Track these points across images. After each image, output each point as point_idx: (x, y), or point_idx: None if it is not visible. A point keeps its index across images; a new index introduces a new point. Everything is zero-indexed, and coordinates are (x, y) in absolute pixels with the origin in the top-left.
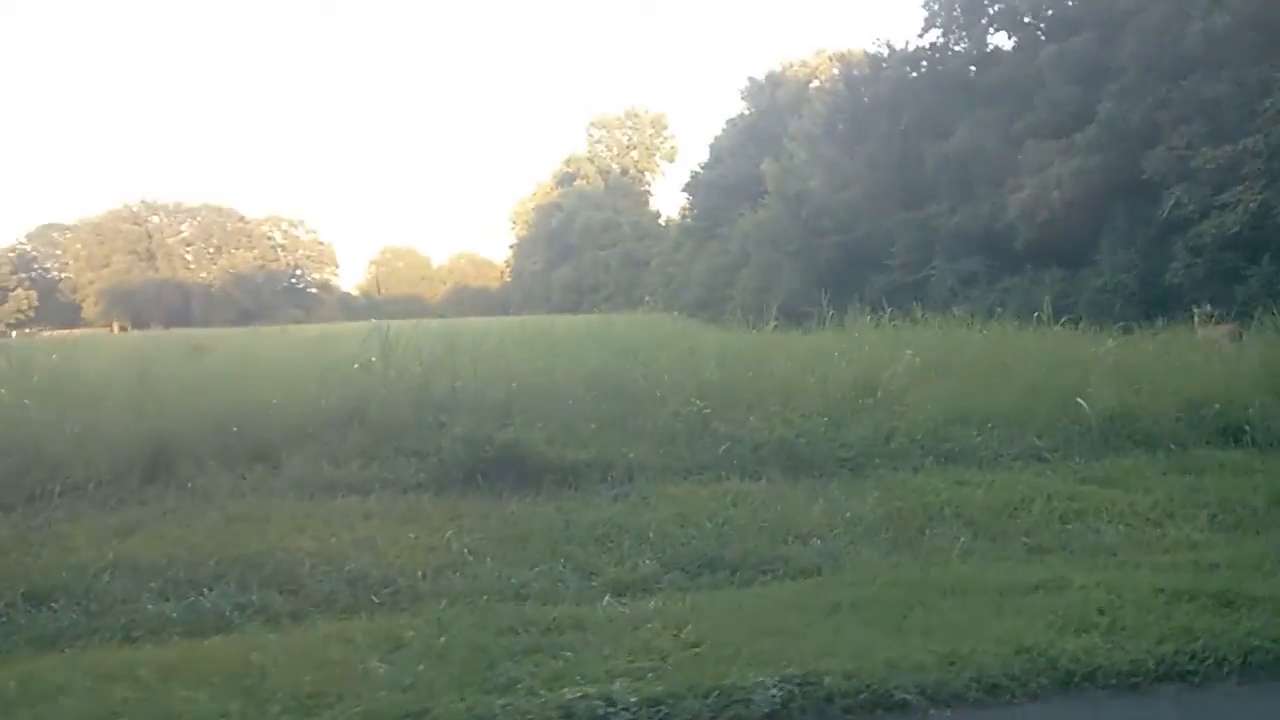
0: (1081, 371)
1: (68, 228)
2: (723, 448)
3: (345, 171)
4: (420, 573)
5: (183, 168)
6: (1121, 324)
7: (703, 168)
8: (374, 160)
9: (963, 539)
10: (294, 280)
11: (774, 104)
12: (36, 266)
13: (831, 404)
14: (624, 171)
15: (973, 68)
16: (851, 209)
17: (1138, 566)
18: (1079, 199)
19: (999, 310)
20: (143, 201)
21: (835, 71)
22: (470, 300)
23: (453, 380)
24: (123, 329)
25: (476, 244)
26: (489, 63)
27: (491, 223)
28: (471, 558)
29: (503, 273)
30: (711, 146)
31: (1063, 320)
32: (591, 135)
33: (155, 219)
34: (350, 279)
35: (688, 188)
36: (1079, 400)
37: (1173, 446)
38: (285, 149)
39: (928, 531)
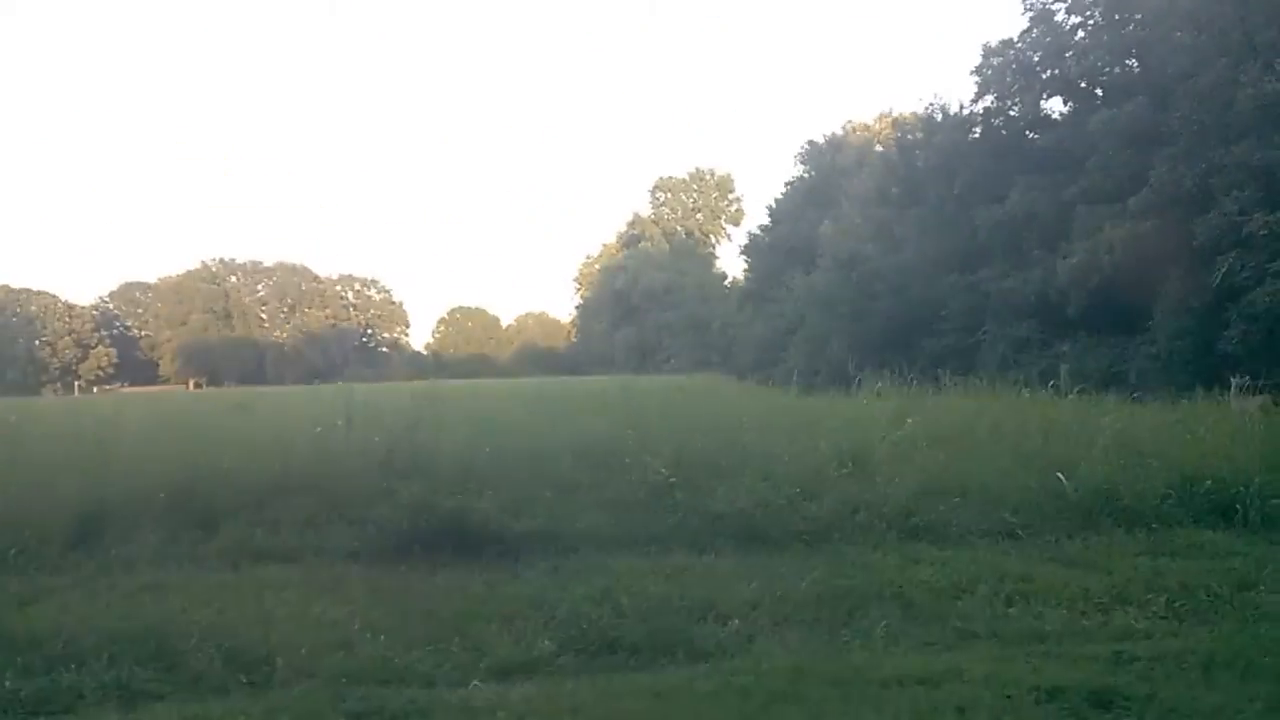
0: (1084, 443)
1: (149, 286)
2: (675, 519)
3: (418, 230)
4: (303, 650)
5: (261, 224)
6: (1142, 393)
7: (762, 230)
8: (446, 219)
9: (886, 623)
10: (365, 339)
11: (834, 167)
12: (118, 324)
13: (810, 474)
14: (688, 234)
15: (1027, 132)
16: (903, 273)
17: (1054, 657)
18: (1131, 264)
19: (1021, 378)
20: (220, 260)
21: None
22: (538, 360)
23: (415, 446)
24: (198, 385)
25: (545, 304)
26: (561, 122)
27: (560, 283)
28: (368, 635)
29: (570, 333)
30: (770, 209)
31: (1075, 388)
32: (656, 198)
33: (233, 279)
34: (420, 338)
35: (745, 250)
36: (1059, 475)
37: (1155, 525)
38: (359, 208)
39: (857, 614)
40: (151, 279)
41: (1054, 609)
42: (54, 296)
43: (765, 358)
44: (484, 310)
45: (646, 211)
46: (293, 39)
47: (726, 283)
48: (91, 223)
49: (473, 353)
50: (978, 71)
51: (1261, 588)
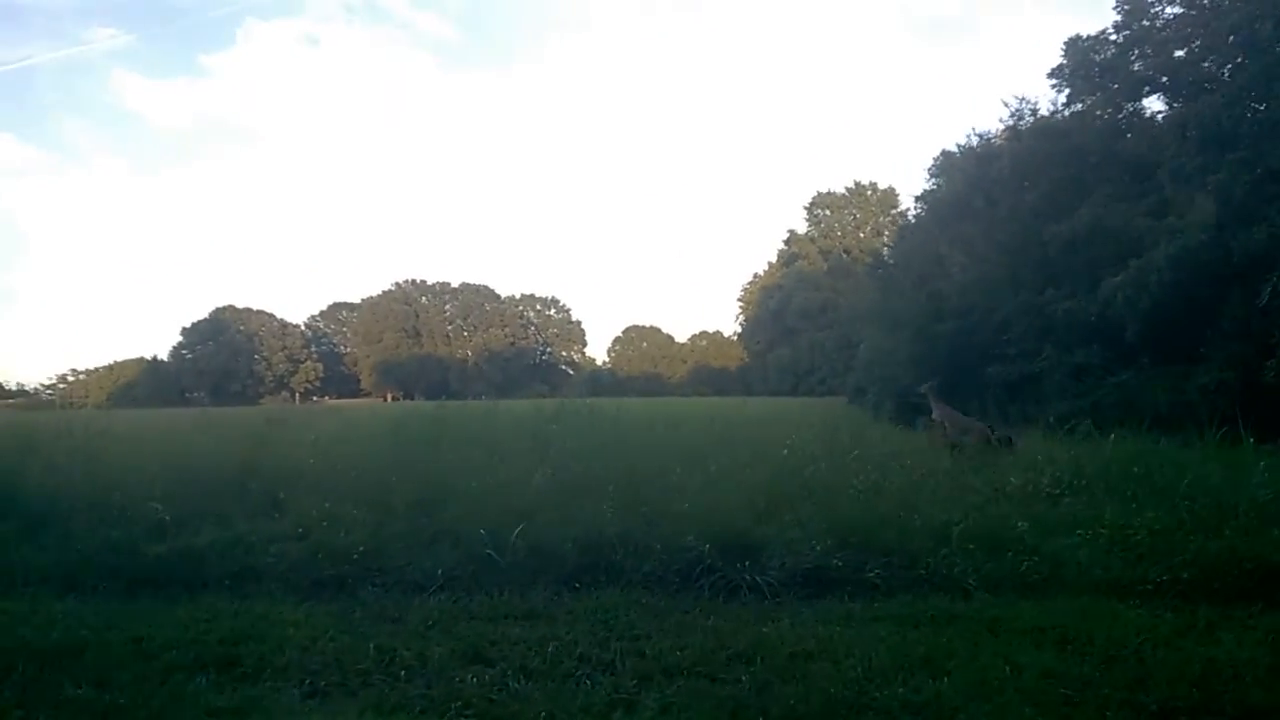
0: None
1: (353, 306)
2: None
3: (598, 248)
4: None
5: (450, 246)
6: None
7: (889, 249)
8: (625, 237)
9: None
10: (545, 357)
11: (966, 179)
12: (326, 341)
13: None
14: (846, 251)
15: (1108, 138)
16: (970, 292)
17: None
18: (1183, 284)
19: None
20: (412, 281)
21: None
22: (710, 380)
23: None
24: (395, 399)
25: (721, 324)
26: (737, 139)
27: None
28: None
29: (742, 353)
30: (901, 226)
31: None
32: (814, 214)
33: (423, 299)
34: (597, 356)
35: (870, 270)
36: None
37: (521, 585)
38: (540, 227)
39: None
40: (356, 299)
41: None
42: (270, 315)
43: (865, 380)
44: (658, 329)
45: (802, 230)
46: (478, 80)
47: None
48: (309, 245)
49: (646, 371)
50: (1056, 74)
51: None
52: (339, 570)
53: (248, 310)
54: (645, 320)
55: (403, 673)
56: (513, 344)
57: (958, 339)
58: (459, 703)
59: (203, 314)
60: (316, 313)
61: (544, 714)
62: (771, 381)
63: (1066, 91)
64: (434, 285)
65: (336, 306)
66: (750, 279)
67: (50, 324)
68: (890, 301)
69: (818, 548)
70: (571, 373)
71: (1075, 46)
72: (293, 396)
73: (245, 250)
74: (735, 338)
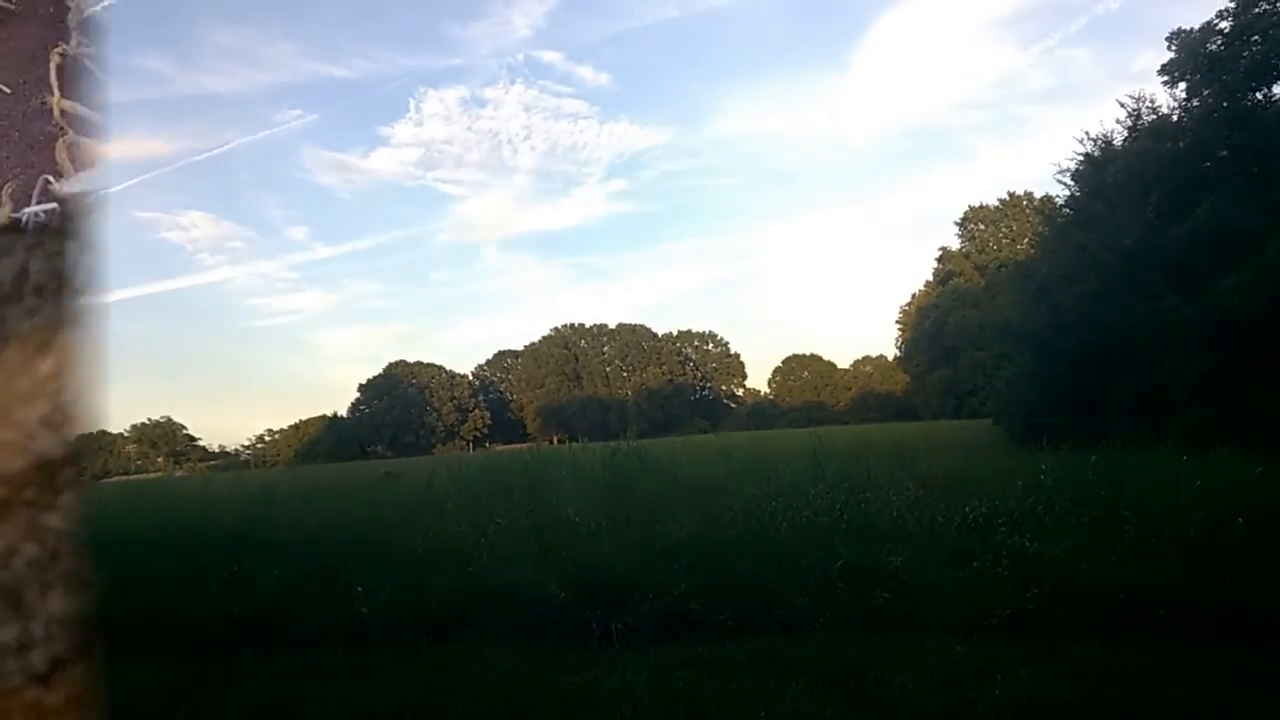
0: None
1: (517, 353)
2: None
3: (754, 279)
4: None
5: (607, 289)
6: None
7: (1028, 262)
8: (782, 266)
9: None
10: (705, 392)
11: (1085, 183)
12: (492, 389)
13: None
14: (1003, 265)
15: (1226, 132)
16: (1092, 302)
17: None
18: None
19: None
20: (570, 326)
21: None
22: (877, 406)
23: None
24: (561, 441)
25: (885, 348)
26: (894, 153)
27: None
28: None
29: (904, 377)
30: (1039, 236)
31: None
32: (966, 229)
33: (582, 342)
34: (759, 388)
35: (1011, 283)
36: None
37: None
38: (696, 264)
39: None
40: (519, 346)
41: None
42: (440, 367)
43: (1001, 401)
44: (819, 356)
45: (955, 247)
46: (629, 126)
47: None
48: (477, 297)
49: (808, 400)
50: (1166, 69)
51: None
52: (229, 630)
53: (419, 364)
54: (805, 348)
55: None
56: (671, 381)
57: (1080, 352)
58: None
59: (377, 370)
60: (483, 361)
61: None
62: (932, 405)
63: (1182, 86)
64: (592, 328)
65: (502, 354)
66: (908, 299)
67: (254, 385)
68: (1014, 317)
69: (675, 592)
70: (734, 406)
71: (1181, 39)
72: (467, 445)
73: (420, 305)
74: (896, 362)
